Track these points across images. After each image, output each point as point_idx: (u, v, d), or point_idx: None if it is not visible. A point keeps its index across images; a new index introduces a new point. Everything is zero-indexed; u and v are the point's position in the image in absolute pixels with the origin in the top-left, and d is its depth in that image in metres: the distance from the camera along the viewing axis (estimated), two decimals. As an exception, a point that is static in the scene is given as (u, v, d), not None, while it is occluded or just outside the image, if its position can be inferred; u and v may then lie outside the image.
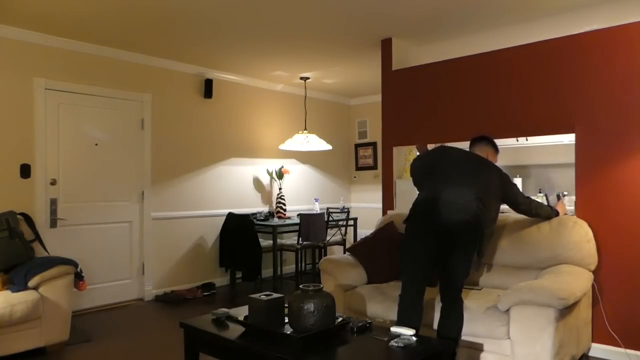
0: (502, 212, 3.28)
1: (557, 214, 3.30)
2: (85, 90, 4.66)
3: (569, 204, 4.71)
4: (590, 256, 3.15)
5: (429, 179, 2.98)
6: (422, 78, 4.39)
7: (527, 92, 3.73)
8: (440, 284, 2.83)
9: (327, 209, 6.21)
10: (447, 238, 2.72)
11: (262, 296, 2.44)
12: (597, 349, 3.32)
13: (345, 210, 6.59)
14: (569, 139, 4.43)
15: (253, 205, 6.18)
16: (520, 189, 5.52)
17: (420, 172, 3.10)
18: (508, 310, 2.72)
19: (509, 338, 2.70)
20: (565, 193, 4.80)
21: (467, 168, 2.91)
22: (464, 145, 3.28)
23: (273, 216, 6.02)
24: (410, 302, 2.76)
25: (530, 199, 3.21)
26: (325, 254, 5.77)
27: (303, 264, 6.06)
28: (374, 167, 7.22)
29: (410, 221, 2.86)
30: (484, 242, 2.83)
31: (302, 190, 6.80)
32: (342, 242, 6.09)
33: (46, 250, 3.92)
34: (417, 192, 3.07)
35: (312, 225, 5.48)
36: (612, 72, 3.34)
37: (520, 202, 3.13)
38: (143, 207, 5.08)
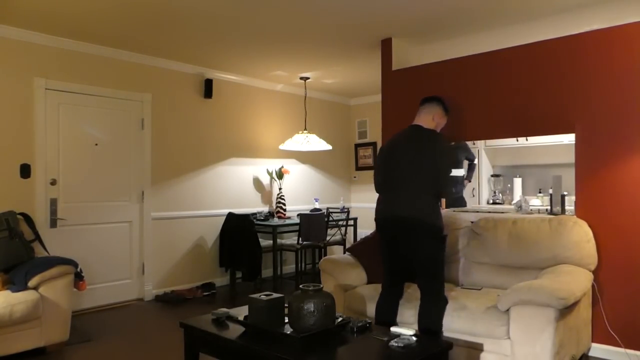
0: (503, 212, 3.29)
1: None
2: (85, 90, 4.66)
3: (568, 203, 4.72)
4: (590, 256, 3.15)
5: (383, 184, 3.03)
6: (422, 78, 4.39)
7: (527, 92, 3.73)
8: (416, 276, 2.93)
9: (327, 209, 6.21)
10: (407, 237, 2.88)
11: (262, 296, 2.44)
12: (597, 349, 3.32)
13: (345, 210, 6.59)
14: (569, 139, 4.44)
15: (253, 205, 6.18)
16: (520, 189, 5.57)
17: (376, 177, 3.11)
18: (508, 310, 2.72)
19: (509, 338, 2.70)
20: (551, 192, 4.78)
21: (409, 157, 2.89)
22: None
23: (273, 216, 6.02)
24: (384, 300, 3.07)
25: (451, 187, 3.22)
26: (325, 254, 5.77)
27: (303, 264, 6.06)
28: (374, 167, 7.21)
29: (377, 231, 3.10)
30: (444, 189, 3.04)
31: (302, 190, 6.80)
32: (342, 242, 6.09)
33: (46, 250, 3.91)
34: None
35: (312, 225, 5.48)
36: (611, 72, 3.34)
37: (442, 185, 3.00)
38: (143, 207, 5.08)
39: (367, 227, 6.03)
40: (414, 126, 3.06)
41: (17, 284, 3.37)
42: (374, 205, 3.07)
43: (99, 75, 4.76)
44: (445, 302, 2.91)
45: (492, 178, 5.81)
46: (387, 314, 3.02)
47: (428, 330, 2.81)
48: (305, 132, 5.92)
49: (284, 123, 6.56)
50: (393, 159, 2.96)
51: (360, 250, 3.75)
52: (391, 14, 3.98)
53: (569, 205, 4.68)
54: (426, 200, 2.83)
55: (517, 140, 5.16)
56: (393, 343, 2.24)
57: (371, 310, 3.21)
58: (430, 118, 3.04)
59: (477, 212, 4.39)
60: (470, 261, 3.54)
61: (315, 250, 6.14)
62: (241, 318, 2.51)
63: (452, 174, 2.91)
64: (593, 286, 3.21)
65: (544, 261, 3.16)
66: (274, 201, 6.29)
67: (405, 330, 2.38)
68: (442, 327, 2.85)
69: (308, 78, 6.09)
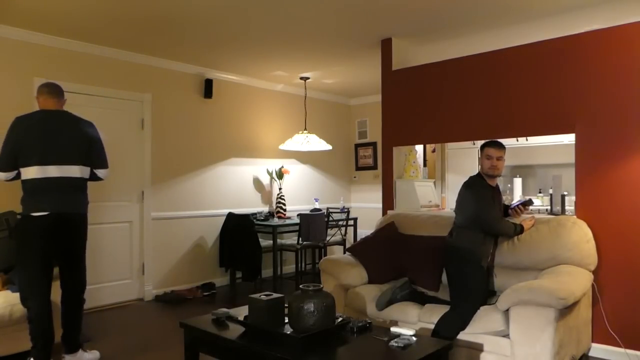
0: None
1: (521, 230, 3.22)
2: (85, 90, 4.66)
3: (568, 203, 4.71)
4: (589, 256, 3.15)
5: None
6: (422, 78, 4.39)
7: (527, 92, 3.73)
8: None
9: (327, 208, 6.21)
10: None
11: (262, 296, 2.44)
12: (597, 349, 3.32)
13: (345, 210, 6.60)
14: (569, 139, 4.44)
15: (253, 205, 6.18)
16: (520, 189, 5.55)
17: None
18: (508, 310, 2.72)
19: (509, 338, 2.70)
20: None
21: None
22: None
23: (273, 216, 6.02)
24: None
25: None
26: (325, 254, 5.77)
27: (303, 264, 6.06)
28: (374, 167, 7.22)
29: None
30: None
31: (302, 190, 6.80)
32: (342, 242, 6.09)
33: (46, 250, 3.90)
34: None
35: (312, 225, 5.48)
36: (612, 72, 3.34)
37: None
38: (143, 207, 5.08)
39: (367, 227, 6.02)
40: None
41: (17, 284, 3.36)
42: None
43: (99, 75, 4.76)
44: (458, 311, 2.91)
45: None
46: None
47: (436, 333, 2.81)
48: (305, 132, 5.92)
49: (284, 123, 6.56)
50: None
51: (361, 250, 3.75)
52: (391, 14, 3.98)
53: (569, 205, 4.68)
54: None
55: (517, 140, 5.16)
56: (393, 343, 2.24)
57: (371, 310, 3.22)
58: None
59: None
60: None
61: (315, 250, 6.13)
62: (241, 318, 2.51)
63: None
64: (593, 286, 3.20)
65: (544, 262, 3.15)
66: (274, 201, 6.29)
67: (405, 330, 2.38)
68: (452, 336, 2.80)
69: (308, 78, 6.09)
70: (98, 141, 3.28)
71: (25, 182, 3.06)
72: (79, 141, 3.16)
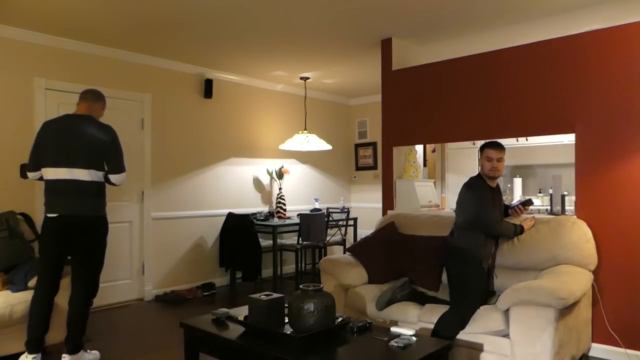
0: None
1: (521, 230, 3.22)
2: (85, 90, 4.65)
3: (568, 203, 4.71)
4: (589, 256, 3.15)
5: None
6: (422, 78, 4.39)
7: (527, 92, 3.73)
8: None
9: (327, 208, 6.21)
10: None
11: (262, 296, 2.44)
12: (597, 349, 3.32)
13: (345, 210, 6.59)
14: (569, 139, 4.44)
15: (253, 205, 6.18)
16: (520, 189, 5.55)
17: None
18: (508, 310, 2.72)
19: (509, 338, 2.70)
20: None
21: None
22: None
23: (273, 216, 6.02)
24: None
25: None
26: (325, 254, 5.77)
27: (303, 264, 6.06)
28: (374, 167, 7.23)
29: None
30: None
31: (302, 190, 6.80)
32: (342, 242, 6.09)
33: (46, 250, 3.91)
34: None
35: (312, 225, 5.48)
36: (612, 72, 3.34)
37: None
38: (143, 207, 5.08)
39: (367, 227, 6.03)
40: None
41: (17, 284, 3.37)
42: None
43: (99, 75, 4.76)
44: (457, 310, 2.91)
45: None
46: None
47: (436, 332, 2.81)
48: (305, 132, 5.92)
49: (284, 123, 6.56)
50: None
51: (361, 250, 3.75)
52: (391, 14, 3.98)
53: (569, 205, 4.68)
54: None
55: (517, 140, 5.16)
56: (393, 343, 2.24)
57: (371, 310, 3.22)
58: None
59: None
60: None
61: (315, 250, 6.13)
62: (241, 318, 2.51)
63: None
64: (593, 286, 3.20)
65: (544, 262, 3.15)
66: (274, 201, 6.29)
67: (405, 330, 2.38)
68: (452, 336, 2.81)
69: (308, 78, 6.09)
70: (111, 146, 3.24)
71: (44, 183, 3.17)
72: (90, 145, 3.15)
